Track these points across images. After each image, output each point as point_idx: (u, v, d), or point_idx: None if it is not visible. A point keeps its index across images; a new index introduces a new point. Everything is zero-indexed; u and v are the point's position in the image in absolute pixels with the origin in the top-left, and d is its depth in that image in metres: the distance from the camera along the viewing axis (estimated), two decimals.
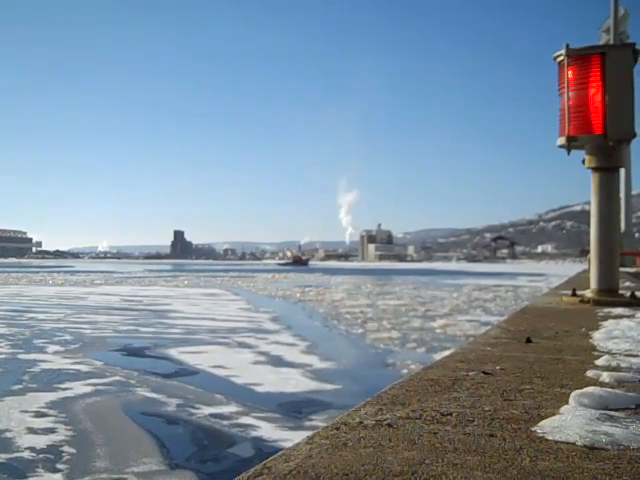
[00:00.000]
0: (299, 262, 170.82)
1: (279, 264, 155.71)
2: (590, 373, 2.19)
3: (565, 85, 4.89)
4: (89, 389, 7.65)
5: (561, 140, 4.95)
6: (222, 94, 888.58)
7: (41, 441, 5.53)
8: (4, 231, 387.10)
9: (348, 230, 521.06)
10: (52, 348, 11.08)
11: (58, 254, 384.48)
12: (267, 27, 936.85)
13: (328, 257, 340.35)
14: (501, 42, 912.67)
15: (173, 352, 10.68)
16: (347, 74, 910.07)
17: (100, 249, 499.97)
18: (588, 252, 5.52)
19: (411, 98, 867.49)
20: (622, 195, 20.07)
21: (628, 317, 3.96)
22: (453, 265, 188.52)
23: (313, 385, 8.05)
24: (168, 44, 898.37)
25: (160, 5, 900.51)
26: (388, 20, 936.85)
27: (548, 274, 65.07)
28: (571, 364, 2.41)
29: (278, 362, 9.75)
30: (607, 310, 4.49)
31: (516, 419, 1.59)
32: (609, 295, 5.05)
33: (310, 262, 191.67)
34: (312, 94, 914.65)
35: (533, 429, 1.49)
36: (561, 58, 4.93)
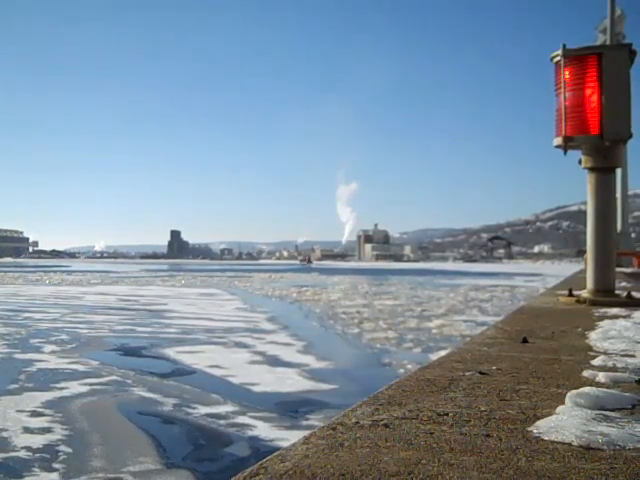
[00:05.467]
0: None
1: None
2: (586, 373, 2.19)
3: (562, 85, 4.90)
4: (85, 389, 7.64)
5: (557, 140, 4.96)
6: (219, 93, 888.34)
7: (37, 440, 5.52)
8: (0, 230, 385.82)
9: (349, 222, 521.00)
10: (48, 348, 11.06)
11: (55, 254, 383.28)
12: (266, 26, 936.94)
13: (325, 257, 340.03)
14: (498, 42, 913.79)
15: (169, 352, 10.67)
16: (345, 75, 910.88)
17: (97, 249, 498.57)
18: (585, 252, 5.53)
19: (409, 98, 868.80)
20: (619, 195, 20.10)
21: (624, 317, 3.97)
22: (450, 265, 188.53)
23: (309, 385, 8.04)
24: (167, 44, 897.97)
25: (160, 5, 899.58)
26: (388, 19, 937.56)
27: (544, 274, 65.13)
28: (567, 364, 2.41)
29: (274, 362, 9.74)
30: (603, 310, 4.50)
31: (512, 419, 1.59)
32: (605, 295, 5.06)
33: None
34: (309, 94, 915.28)
35: (529, 429, 1.49)
36: (558, 58, 4.94)
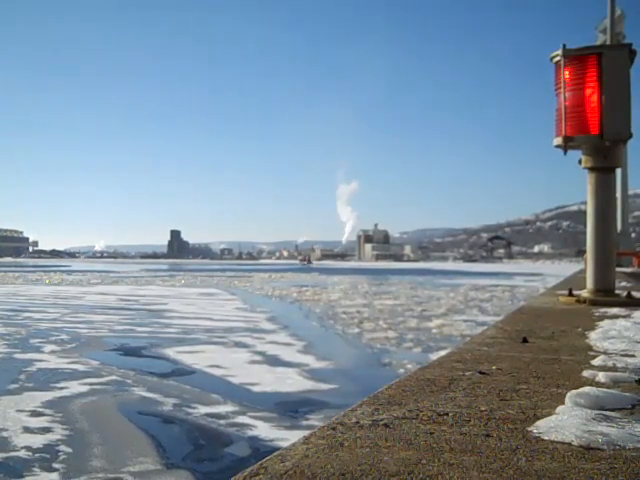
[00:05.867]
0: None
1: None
2: (586, 373, 2.19)
3: (562, 85, 4.90)
4: (85, 388, 7.64)
5: (557, 140, 4.96)
6: (219, 93, 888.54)
7: (37, 440, 5.52)
8: (0, 230, 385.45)
9: (349, 221, 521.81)
10: (48, 347, 11.06)
11: (55, 253, 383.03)
12: (266, 26, 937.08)
13: (325, 257, 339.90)
14: (498, 42, 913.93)
15: (169, 352, 10.67)
16: (345, 74, 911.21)
17: (97, 248, 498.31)
18: (585, 252, 5.53)
19: (408, 97, 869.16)
20: (618, 195, 20.10)
21: (624, 317, 3.97)
22: (450, 265, 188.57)
23: (309, 385, 8.05)
24: (167, 44, 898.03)
25: (160, 5, 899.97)
26: (388, 19, 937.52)
27: (545, 274, 65.13)
28: (567, 364, 2.41)
29: (274, 362, 9.74)
30: (603, 310, 4.50)
31: (512, 419, 1.59)
32: (605, 295, 5.06)
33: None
34: (309, 94, 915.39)
35: (529, 429, 1.49)
36: (558, 58, 4.94)
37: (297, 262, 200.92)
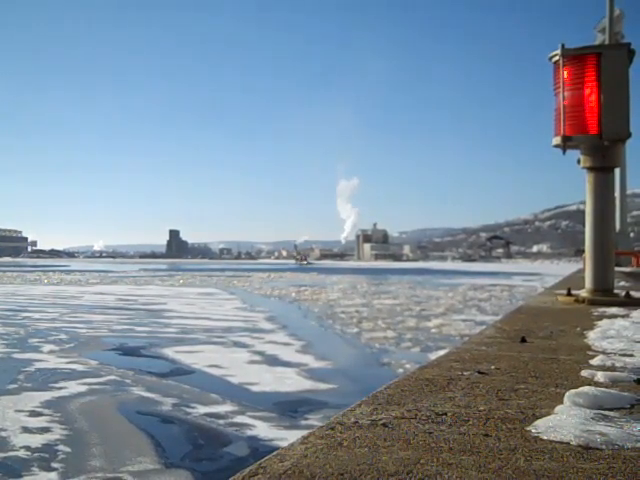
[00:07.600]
0: (307, 262, 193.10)
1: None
2: (585, 373, 2.20)
3: (560, 85, 4.91)
4: (84, 388, 7.64)
5: (556, 140, 4.97)
6: (219, 93, 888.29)
7: (36, 440, 5.52)
8: None
9: (350, 218, 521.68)
10: (47, 347, 11.05)
11: (53, 253, 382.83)
12: (265, 26, 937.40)
13: (324, 256, 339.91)
14: (498, 42, 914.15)
15: (168, 351, 10.66)
16: (345, 74, 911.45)
17: (96, 248, 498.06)
18: (583, 252, 5.54)
19: (407, 97, 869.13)
20: (617, 194, 20.09)
21: (623, 317, 3.97)
22: (449, 264, 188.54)
23: (308, 384, 8.04)
24: (167, 44, 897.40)
25: (160, 5, 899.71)
26: (388, 18, 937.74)
27: (543, 274, 65.16)
28: (566, 364, 2.42)
29: (273, 361, 9.74)
30: (602, 310, 4.50)
31: (511, 419, 1.59)
32: (604, 295, 5.06)
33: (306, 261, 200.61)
34: (309, 94, 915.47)
35: (528, 429, 1.49)
36: (557, 58, 4.94)
37: (293, 262, 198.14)
